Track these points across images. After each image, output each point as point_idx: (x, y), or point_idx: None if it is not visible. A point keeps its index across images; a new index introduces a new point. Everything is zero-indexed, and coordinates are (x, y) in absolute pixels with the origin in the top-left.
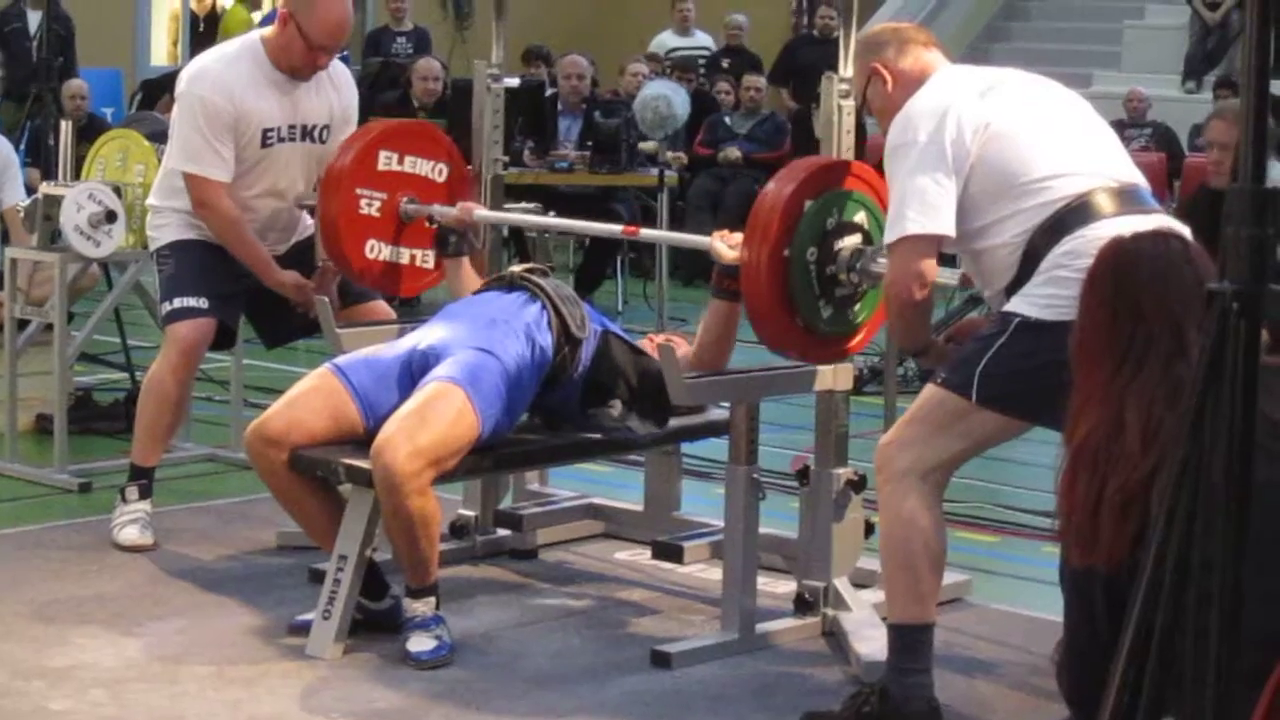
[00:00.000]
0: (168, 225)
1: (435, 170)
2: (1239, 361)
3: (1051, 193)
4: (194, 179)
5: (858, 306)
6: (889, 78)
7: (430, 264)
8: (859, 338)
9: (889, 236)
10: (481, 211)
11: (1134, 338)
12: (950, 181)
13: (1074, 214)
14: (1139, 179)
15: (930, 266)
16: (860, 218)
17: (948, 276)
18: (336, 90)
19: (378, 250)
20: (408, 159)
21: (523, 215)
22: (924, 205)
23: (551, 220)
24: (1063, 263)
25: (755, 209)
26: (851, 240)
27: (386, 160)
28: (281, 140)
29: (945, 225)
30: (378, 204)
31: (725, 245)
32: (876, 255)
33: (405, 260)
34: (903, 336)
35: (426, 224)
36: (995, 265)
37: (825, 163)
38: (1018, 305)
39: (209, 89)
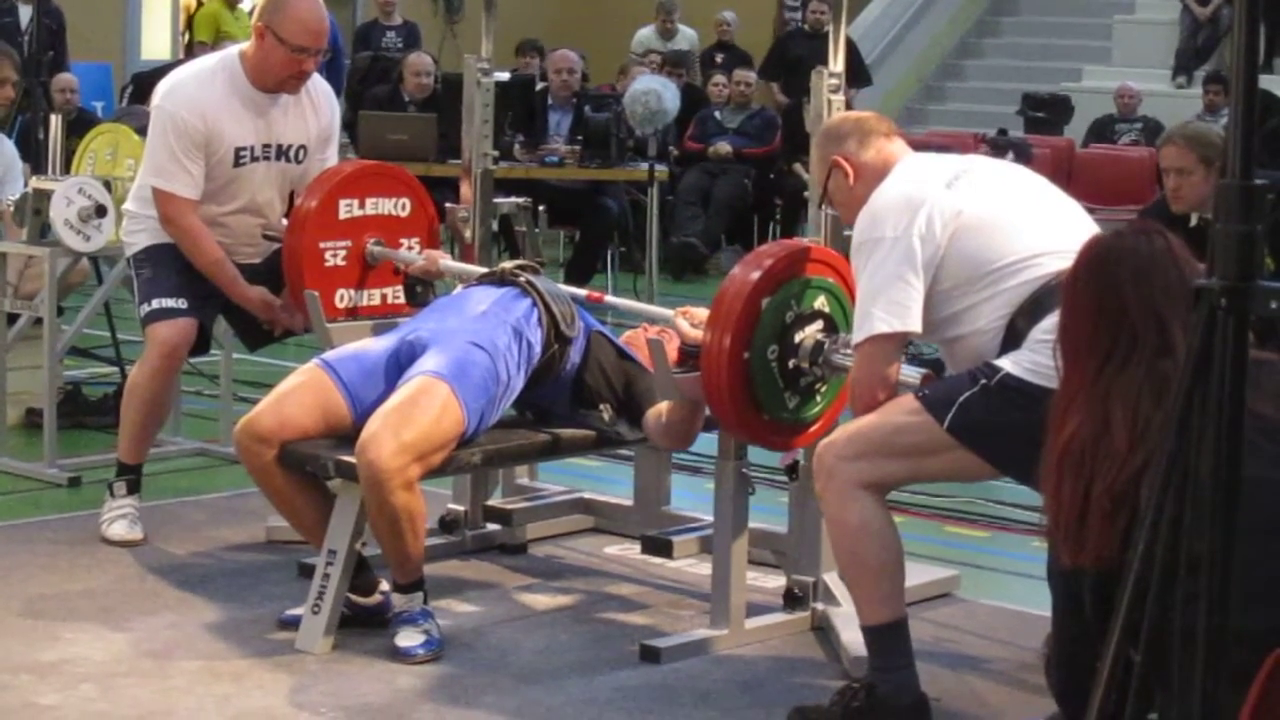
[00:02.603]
0: (143, 231)
1: (398, 206)
2: (1227, 358)
3: (1029, 273)
4: (161, 194)
5: (823, 389)
6: (850, 171)
7: (401, 299)
8: (820, 424)
9: (856, 336)
10: (447, 262)
11: (1118, 335)
12: (918, 279)
13: (1054, 293)
14: None
15: (895, 369)
16: (820, 303)
17: (909, 376)
18: (316, 110)
19: (346, 299)
20: (369, 201)
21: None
22: (891, 303)
23: None
24: (1046, 337)
25: (716, 301)
26: (812, 329)
27: (347, 208)
28: (255, 159)
29: (913, 323)
30: (343, 253)
31: (689, 324)
32: (838, 346)
33: (376, 301)
34: None
35: (394, 272)
36: (975, 350)
37: (784, 253)
38: (1005, 362)
39: (181, 106)
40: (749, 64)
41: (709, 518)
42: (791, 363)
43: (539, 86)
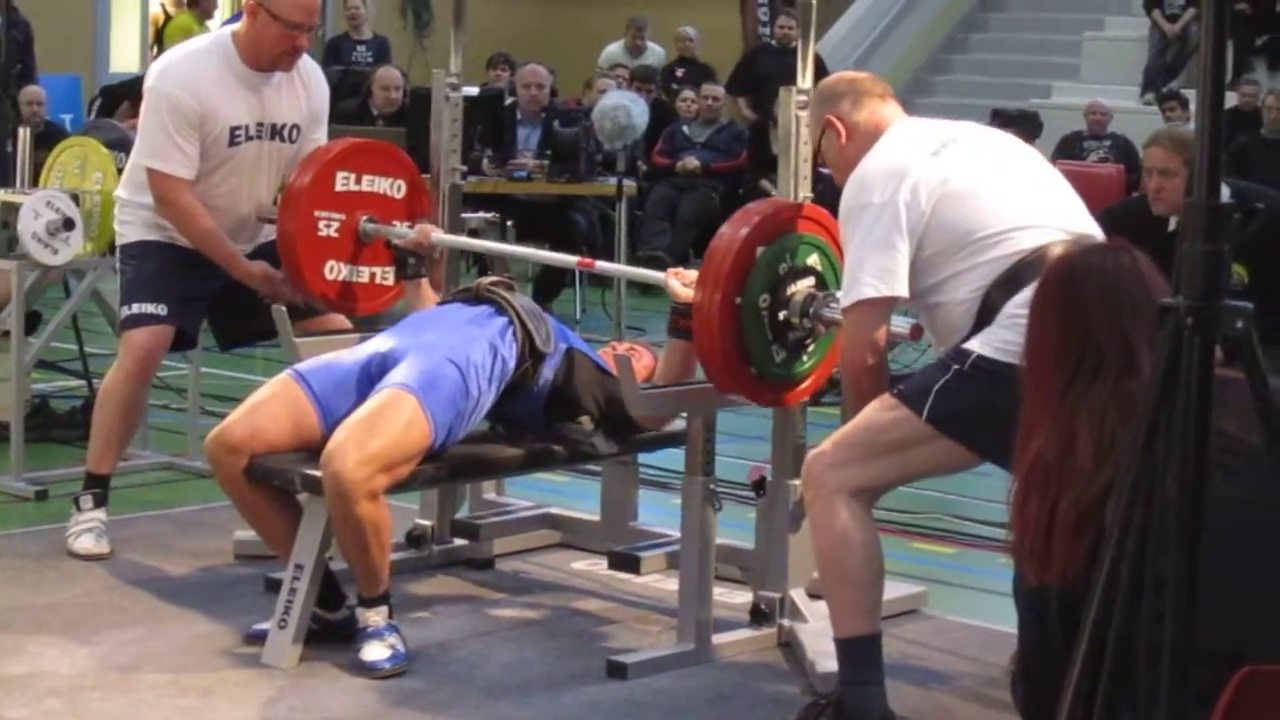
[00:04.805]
0: (133, 223)
1: (393, 187)
2: (1193, 376)
3: (1007, 246)
4: (156, 175)
5: (811, 348)
6: (843, 131)
7: (390, 280)
8: (808, 383)
9: (845, 301)
10: (439, 235)
11: (1084, 353)
12: (904, 244)
13: (1030, 268)
14: (1094, 230)
15: (884, 334)
16: (813, 260)
17: (898, 326)
18: (307, 90)
19: (337, 270)
20: (365, 178)
21: (479, 241)
22: (878, 269)
23: (508, 247)
24: (1018, 313)
25: (709, 256)
26: (804, 284)
27: (344, 181)
28: (250, 138)
29: (900, 288)
30: (336, 225)
31: (680, 284)
32: (829, 300)
33: (365, 279)
34: (855, 403)
35: (385, 246)
36: (952, 320)
37: (777, 208)
38: (975, 344)
39: (175, 86)
40: (712, 79)
41: (676, 533)
42: (781, 315)
43: (508, 101)
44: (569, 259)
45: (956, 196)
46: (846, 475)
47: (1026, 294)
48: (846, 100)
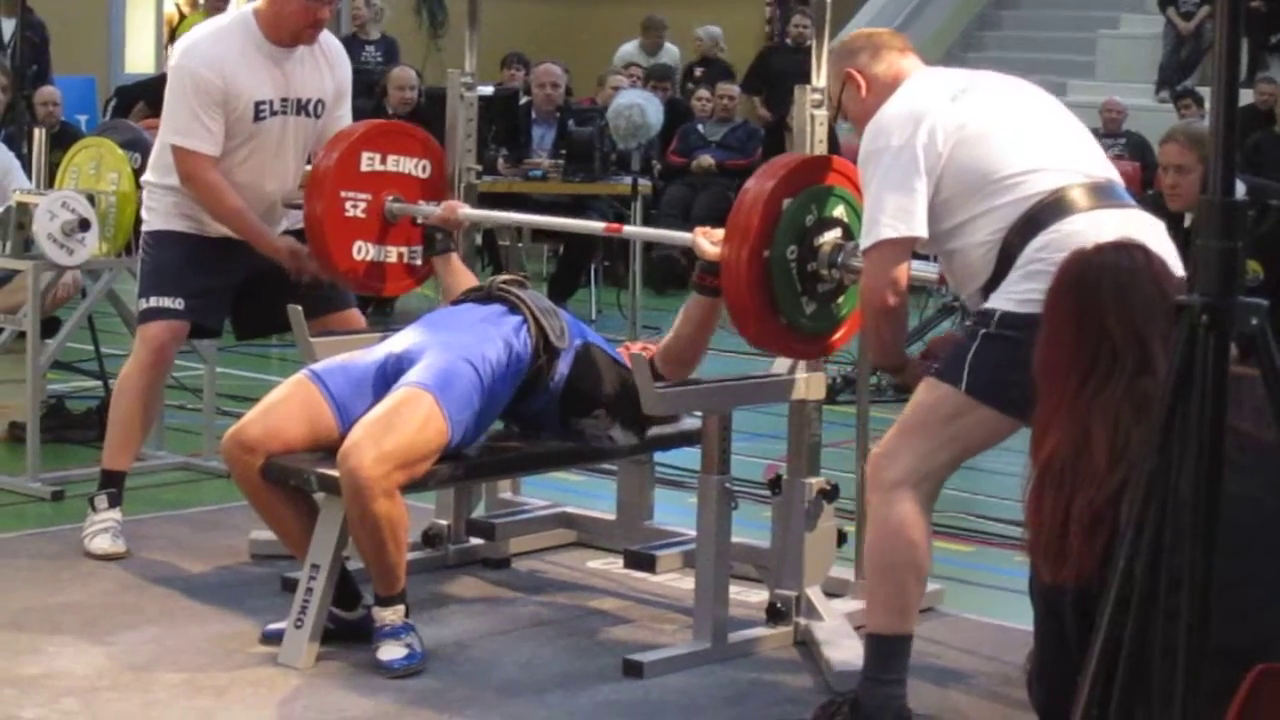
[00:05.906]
0: (158, 210)
1: (419, 167)
2: (1208, 374)
3: (1025, 189)
4: (181, 152)
5: (840, 300)
6: (863, 83)
7: (418, 259)
8: (841, 333)
9: (865, 243)
10: (465, 210)
11: (1098, 352)
12: (922, 185)
13: (1048, 210)
14: (1113, 174)
15: (904, 272)
16: (839, 212)
17: (926, 271)
18: (330, 65)
19: (364, 251)
20: (390, 158)
21: (506, 214)
22: (898, 210)
23: (536, 218)
24: (1039, 257)
25: (735, 209)
26: (832, 235)
27: (369, 161)
28: (274, 113)
29: (918, 228)
30: (363, 205)
31: (708, 241)
32: (856, 251)
33: (393, 259)
34: (877, 348)
35: (412, 223)
36: (971, 265)
37: (802, 160)
38: (997, 301)
39: (199, 63)
40: (730, 78)
41: (692, 532)
42: (810, 266)
43: (523, 100)
44: (596, 225)
45: (973, 140)
46: (905, 465)
47: (1044, 238)
48: (865, 53)
